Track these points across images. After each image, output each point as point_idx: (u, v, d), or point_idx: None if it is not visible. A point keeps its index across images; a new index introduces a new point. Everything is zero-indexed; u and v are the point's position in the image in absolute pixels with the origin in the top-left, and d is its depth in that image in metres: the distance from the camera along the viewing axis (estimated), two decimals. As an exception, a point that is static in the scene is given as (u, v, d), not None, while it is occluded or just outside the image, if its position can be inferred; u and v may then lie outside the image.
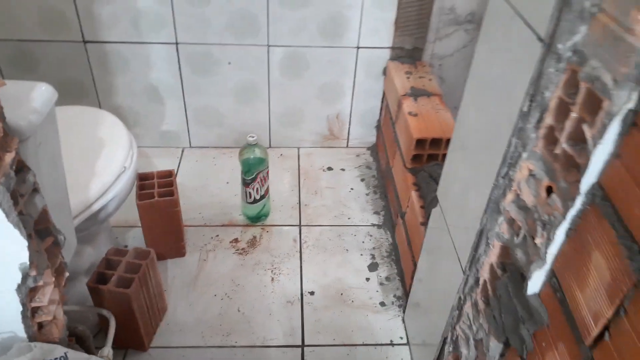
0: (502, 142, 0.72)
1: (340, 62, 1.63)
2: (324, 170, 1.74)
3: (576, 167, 0.57)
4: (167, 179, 1.33)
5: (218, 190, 1.63)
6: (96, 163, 1.09)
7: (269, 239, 1.48)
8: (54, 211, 0.75)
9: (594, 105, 0.53)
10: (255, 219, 1.52)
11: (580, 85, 0.55)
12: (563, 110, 0.59)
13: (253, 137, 1.39)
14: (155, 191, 1.29)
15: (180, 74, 1.63)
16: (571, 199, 0.58)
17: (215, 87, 1.66)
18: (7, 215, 0.59)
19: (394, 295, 1.31)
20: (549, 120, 0.62)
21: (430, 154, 1.29)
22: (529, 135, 0.67)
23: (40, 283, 0.70)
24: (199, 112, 1.73)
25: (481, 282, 0.82)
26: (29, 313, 0.71)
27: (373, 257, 1.43)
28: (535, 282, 0.67)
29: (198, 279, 1.34)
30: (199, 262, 1.39)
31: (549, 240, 0.63)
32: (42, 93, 0.74)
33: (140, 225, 1.33)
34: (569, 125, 0.58)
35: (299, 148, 1.82)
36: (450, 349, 0.95)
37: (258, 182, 1.44)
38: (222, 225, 1.51)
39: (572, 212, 0.59)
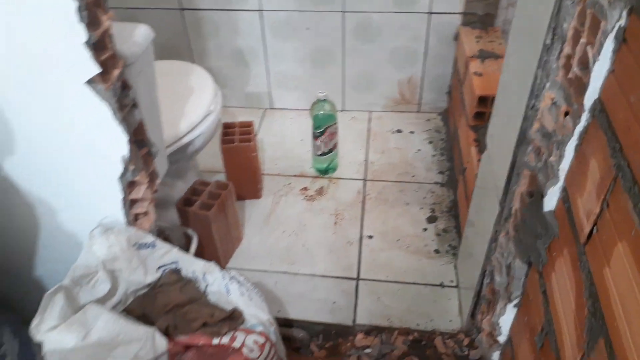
0: (530, 76, 0.78)
1: (411, 28, 1.70)
2: (393, 132, 1.83)
3: (584, 88, 0.64)
4: (247, 128, 1.51)
5: (293, 146, 1.78)
6: (186, 105, 1.28)
7: (335, 189, 1.61)
8: (149, 128, 0.93)
9: (595, 28, 0.60)
10: (324, 172, 1.66)
11: (587, 12, 0.62)
12: (576, 38, 0.66)
13: (323, 93, 1.52)
14: (237, 137, 1.47)
15: (264, 39, 1.80)
16: (578, 116, 0.65)
17: (294, 52, 1.81)
18: (114, 113, 0.77)
19: (449, 245, 1.39)
20: (567, 49, 0.69)
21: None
22: (551, 66, 0.73)
23: (137, 178, 0.88)
24: (279, 75, 1.89)
25: (513, 211, 0.89)
26: (128, 203, 0.89)
27: (433, 211, 1.51)
28: (551, 200, 0.74)
29: (270, 218, 1.51)
30: (272, 204, 1.56)
31: (560, 157, 0.70)
32: (142, 31, 0.92)
33: (224, 170, 1.52)
34: (579, 50, 0.64)
35: (370, 112, 1.92)
36: (488, 280, 1.02)
37: (327, 136, 1.57)
38: (295, 176, 1.66)
39: (579, 129, 0.66)
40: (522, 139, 0.83)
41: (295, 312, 1.25)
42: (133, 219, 0.94)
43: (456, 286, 1.28)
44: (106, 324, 0.76)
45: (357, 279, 1.32)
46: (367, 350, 1.15)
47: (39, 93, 0.77)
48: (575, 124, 0.66)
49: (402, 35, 1.72)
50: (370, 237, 1.43)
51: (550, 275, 0.73)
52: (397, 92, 1.87)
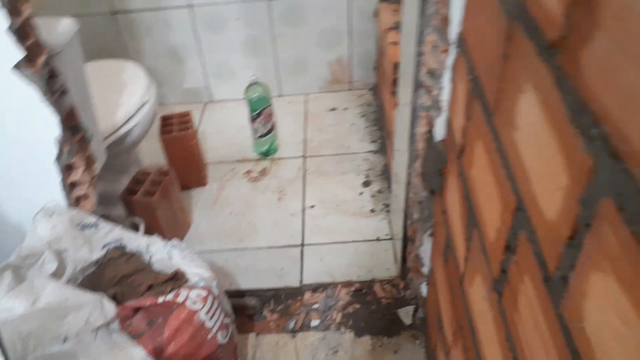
0: (414, 26, 0.88)
1: (334, 9, 1.80)
2: (328, 111, 1.93)
3: (448, 24, 0.74)
4: (185, 117, 1.57)
5: (235, 133, 1.86)
6: (120, 97, 1.34)
7: (278, 168, 1.69)
8: (81, 115, 0.99)
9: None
10: (266, 154, 1.74)
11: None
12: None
13: (254, 76, 1.60)
14: (175, 127, 1.53)
15: (196, 34, 1.86)
16: (448, 50, 0.75)
17: (227, 43, 1.89)
18: (44, 96, 0.83)
19: (383, 204, 1.50)
20: (437, -6, 0.79)
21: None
22: (428, 13, 0.83)
23: (74, 160, 0.94)
24: (215, 68, 1.96)
25: (418, 152, 0.99)
26: (67, 186, 0.95)
27: (367, 176, 1.61)
28: (439, 130, 0.85)
29: (217, 202, 1.58)
30: (217, 189, 1.62)
31: (441, 90, 0.80)
32: (66, 23, 0.99)
33: (166, 163, 1.58)
34: (442, -10, 0.75)
35: (306, 94, 2.02)
36: (410, 222, 1.13)
37: (263, 118, 1.65)
38: (238, 161, 1.74)
39: (450, 61, 0.76)
40: (416, 84, 0.93)
41: (246, 283, 1.32)
42: (74, 202, 0.99)
43: (390, 238, 1.38)
44: (53, 290, 0.82)
45: (302, 245, 1.40)
46: (315, 306, 1.24)
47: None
48: (447, 58, 0.76)
49: (326, 17, 1.82)
50: (312, 206, 1.52)
51: (446, 195, 0.84)
52: (329, 72, 1.97)
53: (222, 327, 0.91)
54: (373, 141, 1.75)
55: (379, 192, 1.54)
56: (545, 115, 0.43)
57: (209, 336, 0.88)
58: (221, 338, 0.91)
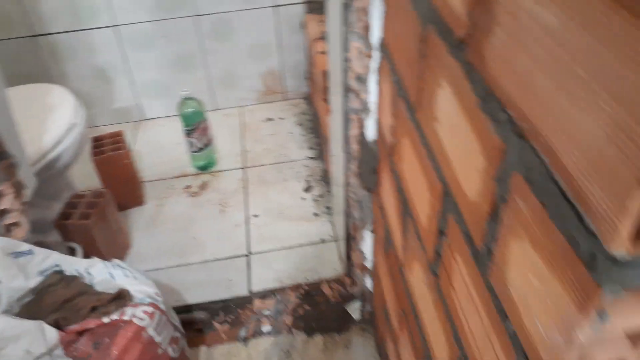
0: (339, 35, 0.93)
1: (262, 22, 1.83)
2: (265, 121, 1.94)
3: (370, 30, 0.79)
4: (117, 137, 1.54)
5: (170, 150, 1.83)
6: (47, 121, 1.29)
7: (218, 181, 1.69)
8: (7, 141, 0.95)
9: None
10: (204, 168, 1.73)
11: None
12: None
13: (185, 91, 1.59)
14: (108, 148, 1.50)
15: (123, 53, 1.83)
16: (372, 55, 0.80)
17: (156, 61, 1.86)
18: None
19: (325, 207, 1.53)
20: (358, 3, 0.84)
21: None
22: (350, 21, 0.88)
23: (1, 188, 0.90)
24: (145, 86, 1.93)
25: (354, 153, 1.03)
26: (-5, 214, 0.91)
27: (308, 182, 1.64)
28: (371, 131, 0.89)
29: (157, 220, 1.55)
30: (156, 207, 1.60)
31: (368, 92, 0.85)
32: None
33: (101, 185, 1.53)
34: (363, 1, 0.79)
35: (241, 106, 2.03)
36: (351, 221, 1.17)
37: (199, 132, 1.65)
38: (176, 177, 1.72)
39: (375, 65, 0.80)
40: (346, 89, 0.97)
41: (193, 298, 1.31)
42: (5, 230, 0.95)
43: (335, 239, 1.41)
44: (-11, 323, 0.78)
45: (248, 254, 1.41)
46: (266, 312, 1.25)
47: None
48: (372, 62, 0.81)
49: (255, 30, 1.84)
50: (256, 215, 1.53)
51: (381, 192, 0.88)
52: (262, 84, 1.99)
53: (172, 342, 0.90)
54: (311, 148, 1.78)
55: (321, 196, 1.58)
56: (460, 105, 0.47)
57: (159, 351, 0.87)
58: (172, 352, 0.90)
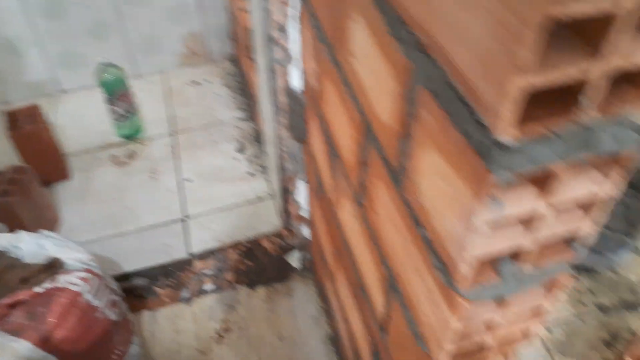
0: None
1: (178, -19, 1.76)
2: (191, 85, 1.90)
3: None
4: (34, 111, 1.45)
5: (94, 121, 1.75)
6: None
7: (147, 149, 1.64)
8: None
9: None
10: (131, 136, 1.68)
11: None
12: None
13: (104, 58, 1.52)
14: (24, 122, 1.41)
15: (31, 23, 1.70)
16: (288, 3, 0.80)
17: (70, 30, 1.75)
18: None
19: (260, 165, 1.54)
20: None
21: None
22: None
23: None
24: (60, 57, 1.81)
25: (282, 106, 1.04)
26: None
27: (240, 142, 1.63)
28: (296, 81, 0.90)
29: (86, 192, 1.50)
30: (84, 180, 1.54)
31: (290, 42, 0.85)
32: None
33: (22, 162, 1.45)
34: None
35: (166, 71, 1.96)
36: (285, 174, 1.18)
37: (121, 100, 1.58)
38: (102, 148, 1.65)
39: (297, 14, 0.81)
40: (268, 40, 0.97)
41: (131, 266, 1.29)
42: None
43: (272, 196, 1.43)
44: None
45: (185, 218, 1.40)
46: (206, 272, 1.25)
47: None
48: (291, 9, 0.81)
49: (171, -11, 1.77)
50: (190, 180, 1.51)
51: (311, 140, 0.90)
52: (185, 47, 1.93)
53: (111, 305, 0.89)
54: (241, 109, 1.76)
55: (255, 156, 1.58)
56: (372, 35, 0.49)
57: (99, 315, 0.86)
58: (112, 315, 0.89)
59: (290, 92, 0.95)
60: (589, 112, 0.30)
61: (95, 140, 1.68)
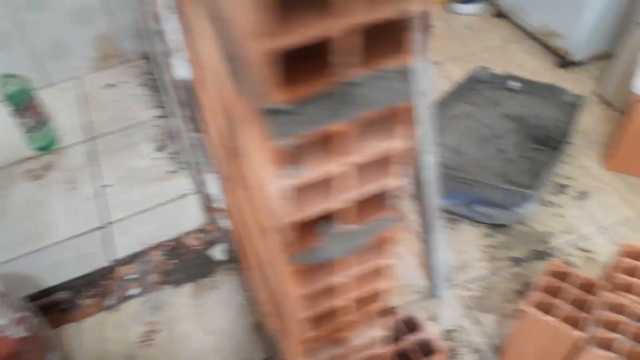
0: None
1: (77, -18, 1.70)
2: (106, 88, 1.84)
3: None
4: None
5: (5, 137, 1.67)
6: None
7: (63, 159, 1.59)
8: None
9: None
10: (45, 148, 1.61)
11: None
12: None
13: (5, 70, 1.45)
14: None
15: None
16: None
17: (-37, 40, 1.67)
18: None
19: (181, 162, 1.52)
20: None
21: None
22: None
23: None
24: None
25: (180, 98, 1.02)
26: None
27: (160, 141, 1.60)
28: (184, 70, 0.88)
29: (2, 211, 1.44)
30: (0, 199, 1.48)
31: (169, 32, 0.84)
32: None
33: None
34: None
35: (78, 77, 1.89)
36: (199, 167, 1.17)
37: (29, 111, 1.52)
38: (14, 164, 1.59)
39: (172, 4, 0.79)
40: (150, 34, 0.95)
41: (52, 280, 1.25)
42: None
43: (195, 192, 1.41)
44: None
45: (105, 225, 1.37)
46: (132, 276, 1.23)
47: None
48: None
49: (71, -8, 1.71)
50: (110, 185, 1.48)
51: (208, 129, 0.89)
52: (96, 50, 1.87)
53: (16, 323, 0.87)
54: (158, 106, 1.73)
55: (176, 153, 1.55)
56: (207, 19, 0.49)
57: (1, 335, 0.83)
58: (20, 332, 0.87)
59: (180, 83, 0.94)
60: (351, 69, 0.30)
61: (8, 156, 1.61)
